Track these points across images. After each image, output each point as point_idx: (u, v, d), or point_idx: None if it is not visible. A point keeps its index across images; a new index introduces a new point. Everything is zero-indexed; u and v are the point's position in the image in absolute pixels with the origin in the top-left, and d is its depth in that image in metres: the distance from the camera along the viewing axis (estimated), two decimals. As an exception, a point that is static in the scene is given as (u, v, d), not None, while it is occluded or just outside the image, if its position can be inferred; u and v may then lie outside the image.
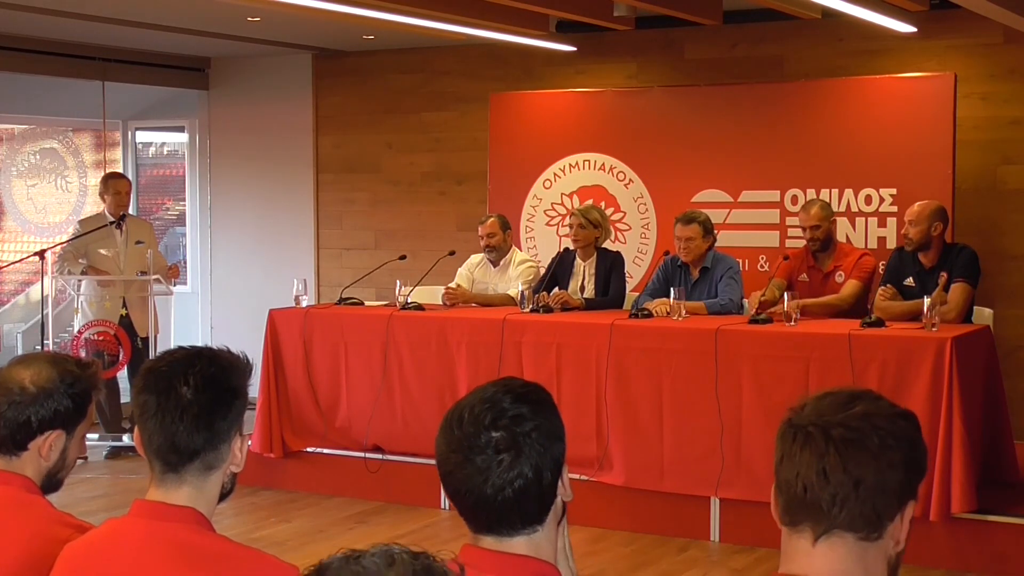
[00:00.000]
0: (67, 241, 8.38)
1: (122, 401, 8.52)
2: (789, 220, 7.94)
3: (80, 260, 8.25)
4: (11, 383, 2.56)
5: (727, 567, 6.02)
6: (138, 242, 8.32)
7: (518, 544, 1.95)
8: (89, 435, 8.11)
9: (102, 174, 9.23)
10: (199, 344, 2.38)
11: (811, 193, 7.79)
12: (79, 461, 8.60)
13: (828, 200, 7.54)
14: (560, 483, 1.98)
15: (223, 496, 2.33)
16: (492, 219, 7.84)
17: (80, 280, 8.23)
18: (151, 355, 8.01)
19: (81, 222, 8.60)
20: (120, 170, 11.00)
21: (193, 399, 2.23)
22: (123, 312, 8.18)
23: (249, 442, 2.37)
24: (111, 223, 8.29)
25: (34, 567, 2.41)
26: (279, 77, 10.33)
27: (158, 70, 10.31)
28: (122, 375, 8.45)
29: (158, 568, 2.16)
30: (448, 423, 1.97)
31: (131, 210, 8.83)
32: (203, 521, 2.25)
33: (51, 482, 2.65)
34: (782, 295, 6.52)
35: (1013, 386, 7.11)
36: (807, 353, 6.14)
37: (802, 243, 7.61)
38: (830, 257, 7.18)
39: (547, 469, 1.94)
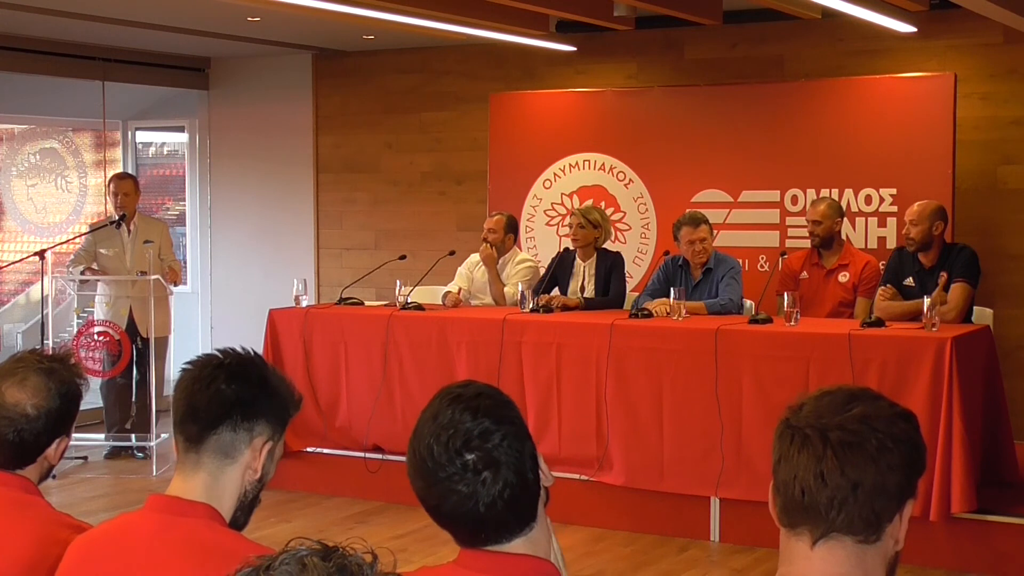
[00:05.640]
0: (69, 240, 8.37)
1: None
2: (789, 220, 7.95)
3: (94, 264, 8.23)
4: (11, 411, 2.56)
5: (727, 567, 6.02)
6: (147, 241, 8.27)
7: (516, 546, 1.95)
8: (90, 435, 8.18)
9: (102, 174, 9.22)
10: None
11: (811, 193, 7.80)
12: (79, 461, 8.48)
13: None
14: (540, 473, 1.98)
15: (248, 507, 2.29)
16: (499, 216, 7.84)
17: (77, 281, 8.21)
18: (153, 355, 8.00)
19: (91, 224, 8.61)
20: (120, 170, 10.98)
21: (220, 371, 2.25)
22: (123, 312, 8.15)
23: (279, 452, 2.32)
24: (111, 223, 8.30)
25: (34, 568, 2.41)
26: (279, 77, 10.32)
27: (158, 70, 10.31)
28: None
29: (169, 562, 2.14)
30: (419, 459, 1.94)
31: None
32: (216, 517, 2.22)
33: (47, 476, 2.69)
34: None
35: (1013, 386, 7.10)
36: (807, 353, 6.14)
37: (802, 243, 7.62)
38: (835, 255, 7.20)
39: (527, 469, 1.95)
